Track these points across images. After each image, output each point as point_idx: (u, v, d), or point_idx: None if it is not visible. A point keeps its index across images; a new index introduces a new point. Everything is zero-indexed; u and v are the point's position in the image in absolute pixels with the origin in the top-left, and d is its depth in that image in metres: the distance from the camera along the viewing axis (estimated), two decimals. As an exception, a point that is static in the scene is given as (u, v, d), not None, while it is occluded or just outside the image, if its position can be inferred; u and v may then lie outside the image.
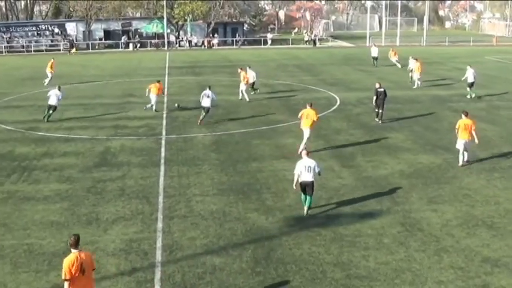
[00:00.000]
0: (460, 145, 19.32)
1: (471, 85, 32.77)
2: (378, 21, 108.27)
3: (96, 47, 74.83)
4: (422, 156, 20.65)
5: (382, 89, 27.20)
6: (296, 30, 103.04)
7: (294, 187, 15.33)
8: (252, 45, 78.37)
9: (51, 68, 38.65)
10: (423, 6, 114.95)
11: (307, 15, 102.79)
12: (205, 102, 25.73)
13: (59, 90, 27.56)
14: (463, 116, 19.46)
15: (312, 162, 15.26)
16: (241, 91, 32.66)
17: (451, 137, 22.83)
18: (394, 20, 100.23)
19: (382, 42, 77.62)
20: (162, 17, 74.75)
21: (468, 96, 32.81)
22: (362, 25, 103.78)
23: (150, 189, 17.33)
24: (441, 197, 16.54)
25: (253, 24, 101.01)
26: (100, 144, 22.74)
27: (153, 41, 75.58)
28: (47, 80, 38.11)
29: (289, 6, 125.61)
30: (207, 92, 25.84)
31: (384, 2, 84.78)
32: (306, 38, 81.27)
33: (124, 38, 74.61)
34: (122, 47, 74.03)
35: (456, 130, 19.34)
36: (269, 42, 77.80)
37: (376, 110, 27.65)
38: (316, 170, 15.17)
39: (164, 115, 28.56)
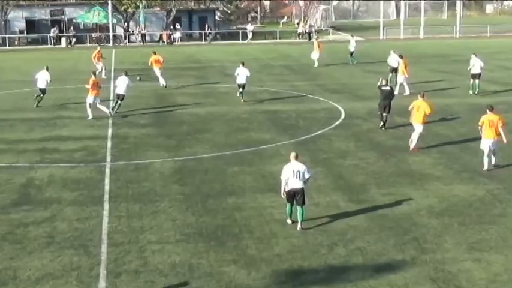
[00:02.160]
0: (484, 146, 21.56)
1: (477, 77, 37.17)
2: (394, 5, 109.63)
3: (16, 42, 74.71)
4: (458, 186, 20.67)
5: (388, 87, 28.41)
6: (285, 19, 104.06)
7: (282, 195, 17.05)
8: (227, 40, 78.86)
9: (98, 59, 45.12)
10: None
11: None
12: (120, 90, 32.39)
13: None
14: (487, 111, 21.83)
15: (301, 167, 16.81)
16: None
17: (497, 159, 22.88)
18: (416, 4, 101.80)
19: (401, 34, 78.71)
20: (106, 3, 74.94)
21: (471, 92, 36.80)
22: (373, 12, 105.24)
23: (90, 235, 17.08)
24: (486, 242, 16.48)
25: (229, 12, 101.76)
26: (21, 174, 22.49)
27: (93, 34, 75.73)
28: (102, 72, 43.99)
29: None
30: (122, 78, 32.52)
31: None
32: (299, 30, 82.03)
33: (54, 31, 74.58)
34: (51, 43, 73.96)
35: (480, 128, 21.54)
36: (249, 35, 78.39)
37: (379, 113, 28.54)
38: (306, 176, 16.80)
39: (109, 133, 28.40)
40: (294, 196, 17.02)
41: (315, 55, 52.23)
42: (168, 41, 75.72)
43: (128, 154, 24.99)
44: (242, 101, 35.42)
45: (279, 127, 29.36)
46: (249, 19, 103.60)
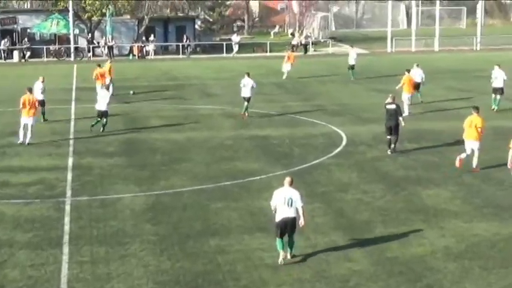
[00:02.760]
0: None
1: (499, 91, 39.11)
2: (404, 13, 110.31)
3: (-42, 56, 74.55)
4: (480, 224, 20.75)
5: (393, 106, 29.05)
6: (277, 29, 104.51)
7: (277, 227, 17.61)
8: (209, 54, 79.12)
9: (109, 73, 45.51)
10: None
11: (295, 5, 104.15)
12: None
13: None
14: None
15: (294, 193, 17.38)
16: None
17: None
18: (430, 11, 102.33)
19: (412, 45, 79.14)
20: (67, 10, 75.18)
21: (493, 107, 38.87)
22: (380, 20, 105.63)
23: (46, 284, 17.03)
24: (511, 288, 16.56)
25: (211, 21, 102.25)
26: (-35, 212, 22.38)
27: (51, 47, 75.80)
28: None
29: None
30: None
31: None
32: (294, 42, 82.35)
33: (5, 43, 74.67)
34: (1, 57, 74.01)
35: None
36: (235, 48, 78.70)
37: (388, 137, 29.10)
38: (299, 204, 17.37)
39: (69, 164, 28.37)
40: (285, 226, 17.33)
41: (286, 67, 53.41)
42: (140, 54, 75.87)
43: (92, 188, 24.94)
44: (246, 116, 37.53)
45: (270, 155, 29.42)
46: (235, 29, 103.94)
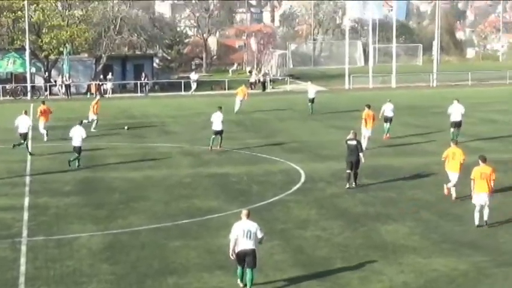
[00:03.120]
0: (476, 200, 23.67)
1: (458, 125, 40.41)
2: (361, 50, 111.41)
3: None
4: (438, 260, 20.82)
5: (354, 142, 29.47)
6: (236, 67, 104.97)
7: (232, 257, 17.94)
8: (167, 92, 79.12)
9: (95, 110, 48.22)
10: (431, 26, 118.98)
11: (253, 43, 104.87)
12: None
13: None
14: (480, 162, 24.17)
15: (252, 226, 17.85)
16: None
17: (480, 227, 23.19)
18: (387, 49, 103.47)
19: (370, 82, 79.82)
20: (23, 49, 74.80)
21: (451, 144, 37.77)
22: (338, 57, 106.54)
23: (2, 326, 16.75)
24: (469, 323, 16.60)
25: (169, 58, 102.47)
26: None
27: (7, 86, 75.26)
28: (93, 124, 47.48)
29: (224, 30, 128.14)
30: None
31: (370, 21, 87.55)
32: (252, 79, 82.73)
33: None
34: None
35: (472, 181, 23.89)
36: (193, 86, 78.83)
37: (348, 171, 29.41)
38: (259, 236, 17.85)
39: (25, 203, 28.07)
40: (244, 258, 17.69)
41: (237, 102, 54.72)
42: (98, 93, 75.61)
43: (48, 228, 24.66)
44: (219, 148, 39.12)
45: (229, 193, 29.38)
46: (193, 67, 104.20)
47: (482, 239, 22.48)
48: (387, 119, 42.85)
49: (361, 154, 29.54)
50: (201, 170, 34.27)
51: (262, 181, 31.65)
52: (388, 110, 43.04)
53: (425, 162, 35.07)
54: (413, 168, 33.63)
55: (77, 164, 34.89)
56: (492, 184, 23.79)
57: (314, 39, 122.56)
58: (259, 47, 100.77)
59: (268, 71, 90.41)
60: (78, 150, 35.09)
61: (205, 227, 24.40)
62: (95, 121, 48.02)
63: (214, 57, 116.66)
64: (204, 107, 60.92)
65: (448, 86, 78.91)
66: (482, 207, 23.70)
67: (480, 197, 23.61)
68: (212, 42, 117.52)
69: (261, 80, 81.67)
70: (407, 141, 41.56)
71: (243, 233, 17.61)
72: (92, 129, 46.26)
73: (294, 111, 57.69)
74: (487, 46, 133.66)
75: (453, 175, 27.33)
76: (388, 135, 42.45)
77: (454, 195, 27.33)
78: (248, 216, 18.05)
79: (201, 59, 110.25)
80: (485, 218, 23.69)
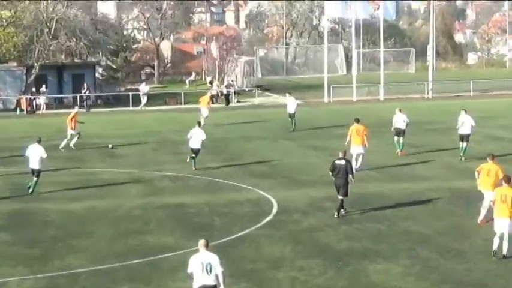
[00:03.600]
0: (497, 227, 24.15)
1: (466, 139, 41.76)
2: (343, 56, 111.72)
3: None
4: (437, 304, 20.85)
5: (342, 162, 29.96)
6: (194, 77, 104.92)
7: None
8: (112, 107, 78.87)
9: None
10: (425, 28, 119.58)
11: (214, 48, 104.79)
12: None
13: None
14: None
15: (212, 258, 17.92)
16: None
17: (487, 265, 23.27)
18: (373, 54, 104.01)
19: (353, 94, 80.00)
20: None
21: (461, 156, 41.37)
22: (315, 65, 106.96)
23: None
24: None
25: (114, 67, 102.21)
26: None
27: None
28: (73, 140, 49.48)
29: (180, 33, 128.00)
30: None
31: (353, 21, 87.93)
32: (213, 92, 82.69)
33: None
34: None
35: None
36: (143, 99, 78.63)
37: (339, 197, 29.97)
38: (219, 270, 17.87)
39: None
40: None
41: (204, 112, 55.29)
42: (29, 108, 75.22)
43: (-31, 271, 24.43)
44: (194, 168, 40.36)
45: (187, 227, 29.24)
46: (143, 77, 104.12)
47: (489, 279, 22.52)
48: (399, 132, 43.96)
49: (350, 176, 29.99)
50: (153, 200, 34.13)
51: (226, 213, 31.57)
52: (399, 121, 44.05)
53: (420, 188, 35.20)
54: (407, 195, 33.68)
55: (31, 189, 35.32)
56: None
57: (287, 44, 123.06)
58: (222, 53, 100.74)
59: (232, 81, 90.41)
60: (38, 173, 35.43)
61: (159, 268, 24.27)
62: (75, 137, 49.98)
63: (168, 65, 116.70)
64: (155, 125, 60.91)
65: (446, 97, 79.40)
66: (502, 236, 24.06)
67: (500, 223, 24.10)
68: (165, 47, 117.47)
69: (224, 92, 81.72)
70: (399, 163, 41.65)
71: (201, 267, 17.66)
72: (71, 145, 49.38)
73: (264, 129, 57.67)
74: (492, 50, 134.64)
75: (487, 194, 27.93)
76: (402, 151, 43.74)
77: (481, 217, 28.14)
78: (207, 246, 18.08)
79: (153, 67, 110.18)
80: (504, 251, 24.03)
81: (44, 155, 35.82)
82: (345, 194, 29.99)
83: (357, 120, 39.98)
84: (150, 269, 24.24)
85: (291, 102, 57.09)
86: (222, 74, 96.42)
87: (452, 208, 31.29)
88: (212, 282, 17.68)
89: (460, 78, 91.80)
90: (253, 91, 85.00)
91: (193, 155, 40.86)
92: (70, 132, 49.78)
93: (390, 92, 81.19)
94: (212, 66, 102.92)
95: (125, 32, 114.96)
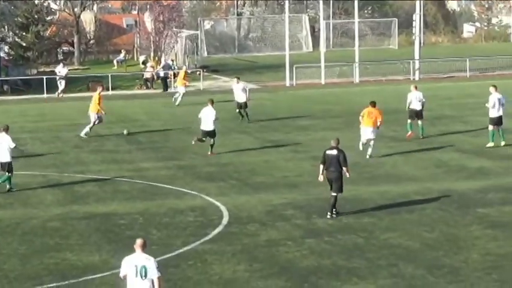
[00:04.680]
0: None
1: (498, 122, 43.81)
2: (308, 29, 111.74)
3: None
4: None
5: (334, 152, 31.07)
6: (123, 55, 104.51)
7: None
8: (22, 94, 78.42)
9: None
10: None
11: (148, 20, 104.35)
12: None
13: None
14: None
15: (148, 261, 18.63)
16: None
17: (485, 284, 23.58)
18: (346, 26, 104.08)
19: (322, 76, 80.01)
20: None
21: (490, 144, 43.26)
22: (274, 40, 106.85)
23: None
24: None
25: (24, 45, 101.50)
26: None
27: None
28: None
29: (105, 1, 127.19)
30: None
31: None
32: (147, 74, 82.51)
33: None
34: None
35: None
36: (61, 85, 78.24)
37: (332, 194, 31.20)
38: (155, 275, 18.54)
39: None
40: None
41: (181, 89, 55.61)
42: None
43: None
44: (209, 153, 44.33)
45: (116, 242, 29.22)
46: (61, 57, 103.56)
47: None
48: (416, 114, 46.01)
49: (344, 168, 31.06)
50: (74, 209, 34.06)
51: (165, 224, 31.61)
52: (414, 101, 45.86)
53: (404, 191, 35.52)
54: (388, 200, 33.90)
55: (8, 186, 36.93)
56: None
57: (239, 14, 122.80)
58: (157, 26, 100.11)
59: (171, 61, 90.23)
60: (8, 167, 36.62)
61: (81, 293, 24.31)
62: (96, 120, 52.13)
63: (91, 42, 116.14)
64: (76, 115, 60.58)
65: (436, 79, 79.61)
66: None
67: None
68: (88, 19, 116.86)
69: (161, 74, 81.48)
70: (378, 161, 41.85)
71: (135, 271, 18.31)
72: (83, 134, 51.47)
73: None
74: (492, 20, 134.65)
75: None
76: (422, 136, 46.51)
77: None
78: (143, 247, 18.70)
79: (72, 45, 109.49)
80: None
81: (12, 145, 36.95)
82: (339, 190, 31.00)
83: (373, 104, 41.63)
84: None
85: (239, 90, 57.00)
86: (159, 53, 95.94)
87: (444, 215, 31.52)
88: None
89: (453, 55, 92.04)
90: (198, 73, 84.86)
91: (203, 138, 44.81)
92: (94, 116, 51.93)
93: (367, 73, 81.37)
94: (146, 42, 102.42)
95: (36, 1, 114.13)
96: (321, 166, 31.51)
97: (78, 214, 33.33)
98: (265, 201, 34.31)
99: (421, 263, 26.18)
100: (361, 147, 41.22)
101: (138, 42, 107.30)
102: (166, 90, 78.14)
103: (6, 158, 36.69)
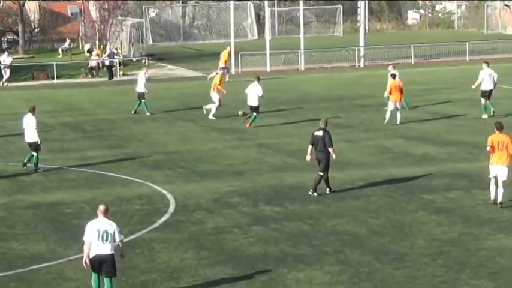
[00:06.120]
0: (492, 172, 28.97)
1: (488, 95, 46.04)
2: (253, 16, 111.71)
3: None
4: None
5: (320, 133, 32.14)
6: (68, 44, 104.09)
7: (85, 265, 20.36)
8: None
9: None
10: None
11: (93, 8, 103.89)
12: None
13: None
14: (496, 130, 29.39)
15: (110, 226, 20.23)
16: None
17: (431, 270, 23.65)
18: (291, 14, 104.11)
19: (267, 63, 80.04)
20: None
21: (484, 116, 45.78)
22: (219, 28, 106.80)
23: None
24: None
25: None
26: None
27: None
28: None
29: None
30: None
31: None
32: (93, 63, 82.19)
33: None
34: None
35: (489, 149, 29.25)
36: (6, 74, 77.66)
37: (319, 173, 32.10)
38: (117, 239, 20.23)
39: None
40: (100, 265, 19.84)
41: (215, 97, 52.49)
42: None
43: None
44: (248, 126, 47.71)
45: (63, 231, 29.06)
46: (4, 45, 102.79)
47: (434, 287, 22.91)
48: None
49: (330, 149, 32.01)
50: (20, 198, 33.86)
51: (112, 212, 30.97)
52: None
53: (350, 178, 35.56)
54: (334, 187, 33.93)
55: (34, 167, 38.54)
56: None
57: (184, 2, 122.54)
58: (102, 15, 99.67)
59: (116, 49, 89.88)
60: (36, 146, 38.55)
61: (28, 283, 24.16)
62: (216, 104, 52.36)
63: (36, 30, 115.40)
64: (20, 104, 60.11)
65: (381, 66, 79.67)
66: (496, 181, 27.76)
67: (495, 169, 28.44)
68: (32, 8, 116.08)
69: (106, 63, 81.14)
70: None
71: (97, 235, 19.59)
72: (211, 116, 51.77)
73: (157, 108, 57.46)
74: (437, 7, 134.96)
75: (500, 170, 29.51)
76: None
77: (499, 198, 29.65)
78: (106, 213, 19.95)
79: (16, 33, 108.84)
80: (499, 198, 28.45)
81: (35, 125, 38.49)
82: (324, 170, 31.97)
83: (394, 76, 46.43)
84: (17, 285, 24.07)
85: (141, 79, 56.51)
86: (104, 41, 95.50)
87: (390, 201, 31.63)
88: (108, 251, 19.67)
89: (398, 42, 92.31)
90: (143, 61, 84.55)
91: (248, 113, 48.49)
92: (215, 97, 52.47)
93: (312, 60, 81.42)
94: (91, 30, 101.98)
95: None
96: (309, 147, 32.65)
97: (24, 203, 33.14)
98: (212, 189, 34.28)
99: (367, 249, 26.27)
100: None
101: (83, 31, 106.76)
102: (112, 78, 77.78)
103: (33, 138, 38.14)
